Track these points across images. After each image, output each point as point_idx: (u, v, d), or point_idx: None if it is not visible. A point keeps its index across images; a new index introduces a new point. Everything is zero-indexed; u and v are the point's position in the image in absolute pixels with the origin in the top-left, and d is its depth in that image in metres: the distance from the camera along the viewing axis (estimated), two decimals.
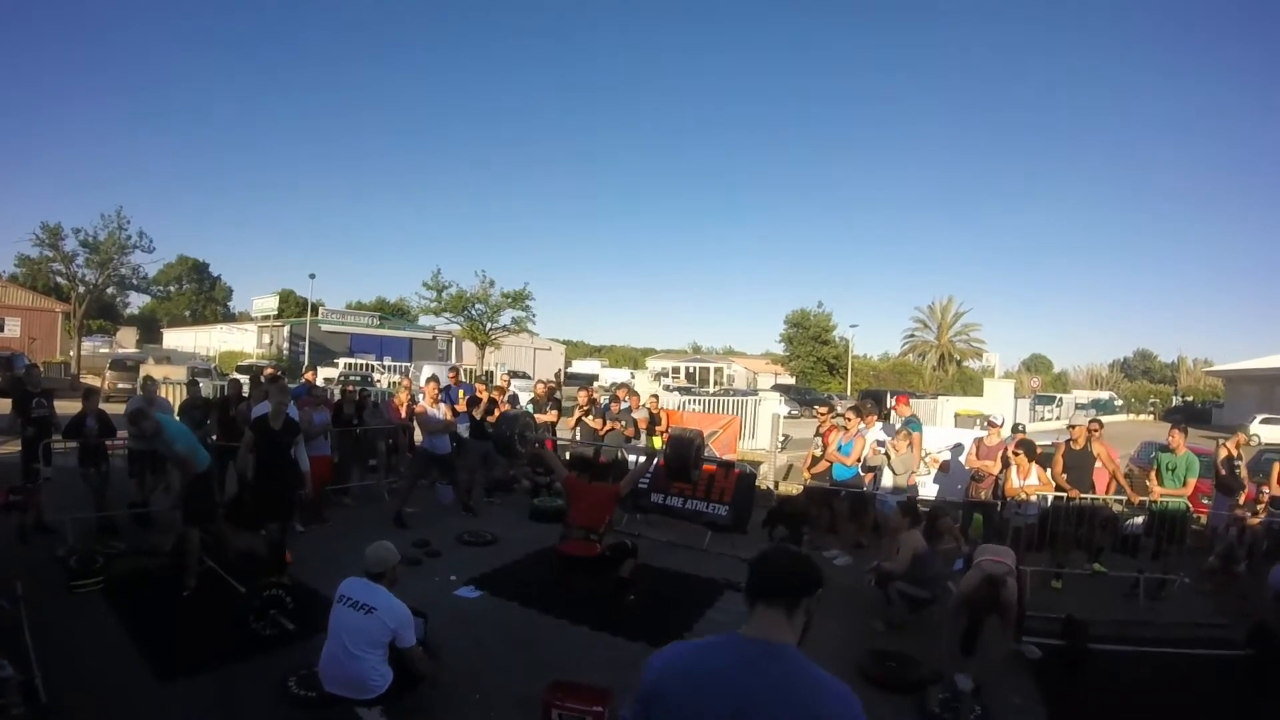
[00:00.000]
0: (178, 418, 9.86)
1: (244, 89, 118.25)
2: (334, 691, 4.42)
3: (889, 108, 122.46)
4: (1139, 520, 9.62)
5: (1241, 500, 9.98)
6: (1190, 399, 62.65)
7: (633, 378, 43.01)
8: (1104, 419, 11.02)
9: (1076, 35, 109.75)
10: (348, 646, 4.36)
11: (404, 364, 39.84)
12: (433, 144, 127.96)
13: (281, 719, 4.76)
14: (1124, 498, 9.09)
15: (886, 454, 9.49)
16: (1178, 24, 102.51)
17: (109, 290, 40.89)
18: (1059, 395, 50.36)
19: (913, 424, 10.39)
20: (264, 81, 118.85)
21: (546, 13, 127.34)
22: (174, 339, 64.27)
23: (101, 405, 9.76)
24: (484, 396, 11.47)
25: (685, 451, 7.79)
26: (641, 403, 12.82)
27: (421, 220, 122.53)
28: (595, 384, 34.87)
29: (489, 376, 27.40)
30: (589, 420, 11.79)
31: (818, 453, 10.00)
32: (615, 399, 12.81)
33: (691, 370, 58.44)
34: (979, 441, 9.74)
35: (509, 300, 40.08)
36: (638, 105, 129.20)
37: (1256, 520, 9.49)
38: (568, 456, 10.24)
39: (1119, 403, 56.05)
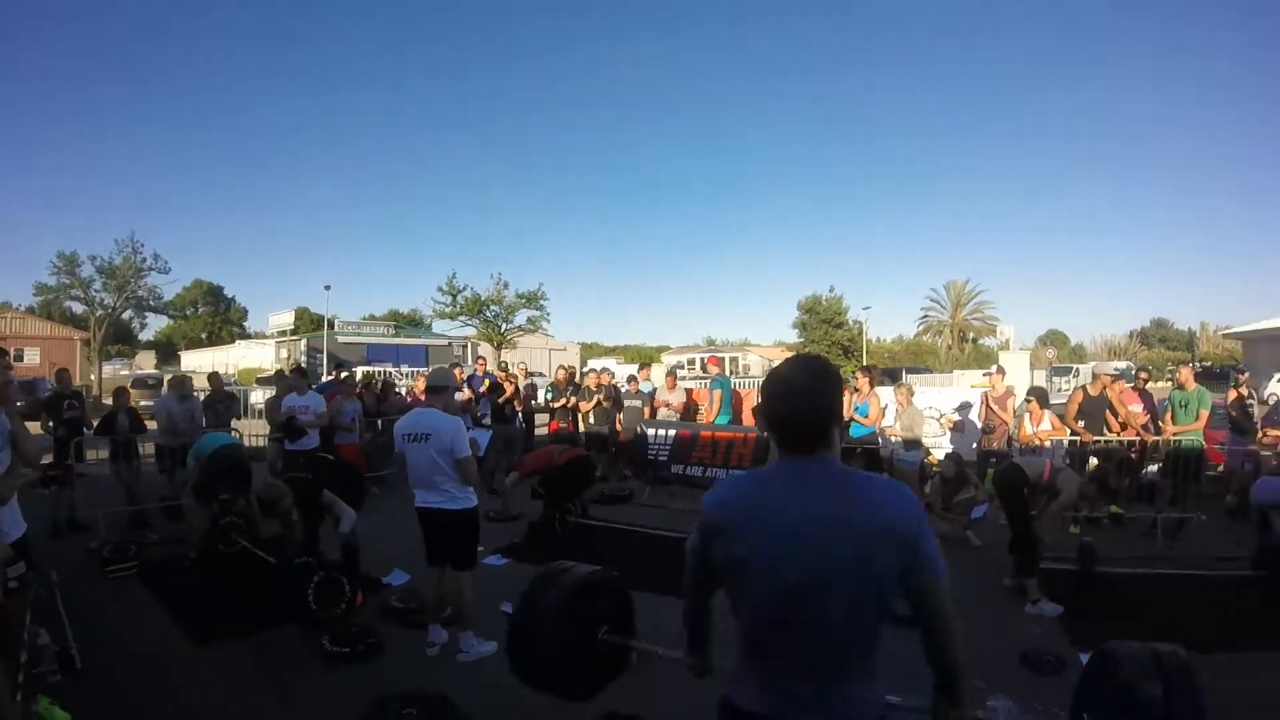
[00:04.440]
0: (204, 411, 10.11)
1: (246, 110, 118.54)
2: (431, 506, 4.98)
3: (893, 83, 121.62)
4: (1154, 468, 9.69)
5: (1258, 438, 10.02)
6: (1209, 364, 62.21)
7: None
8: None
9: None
10: (426, 477, 4.93)
11: (421, 369, 40.15)
12: (439, 150, 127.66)
13: (318, 675, 4.91)
14: (1136, 440, 9.19)
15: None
16: None
17: (127, 313, 41.49)
18: (1076, 366, 50.07)
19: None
20: (267, 101, 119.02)
21: (550, 12, 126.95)
22: (192, 360, 64.97)
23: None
24: (510, 387, 11.73)
25: None
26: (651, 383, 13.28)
27: (432, 230, 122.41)
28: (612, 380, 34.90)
29: (505, 366, 27.59)
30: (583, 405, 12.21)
31: None
32: (633, 379, 13.12)
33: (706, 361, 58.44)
34: (986, 395, 9.86)
35: (523, 301, 40.40)
36: (638, 98, 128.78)
37: (1273, 457, 9.56)
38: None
39: (1136, 371, 55.59)
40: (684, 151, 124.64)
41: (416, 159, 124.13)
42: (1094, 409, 9.20)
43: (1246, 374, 11.18)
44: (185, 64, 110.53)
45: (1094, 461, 9.28)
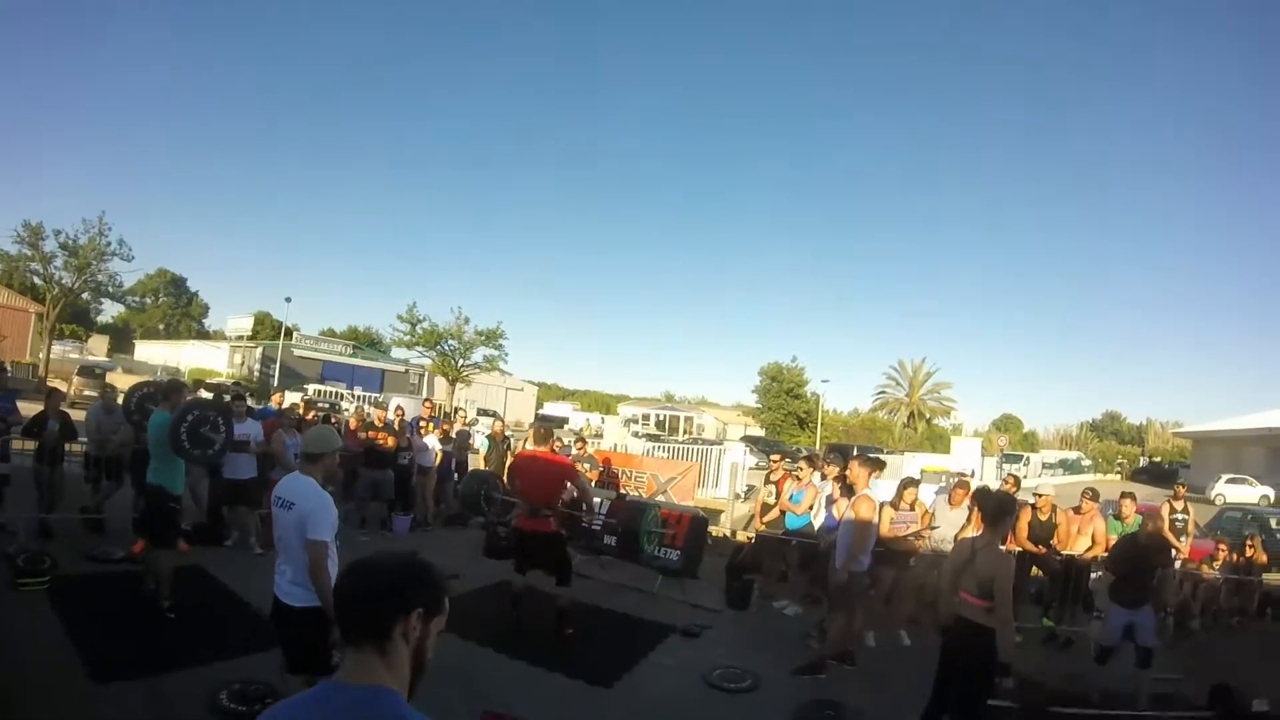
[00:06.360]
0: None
1: (231, 108, 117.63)
2: (277, 595, 4.32)
3: (870, 166, 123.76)
4: (1098, 575, 9.56)
5: (1186, 554, 10.07)
6: (1158, 459, 63.22)
7: (603, 422, 42.91)
8: (1072, 478, 10.97)
9: (1052, 86, 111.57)
10: (282, 545, 4.30)
11: (374, 394, 39.59)
12: (418, 177, 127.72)
13: None
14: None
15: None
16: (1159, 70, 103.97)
17: (84, 295, 40.58)
18: (1027, 455, 50.66)
19: None
20: (250, 102, 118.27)
21: (530, 53, 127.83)
22: (146, 351, 63.64)
23: (64, 409, 9.82)
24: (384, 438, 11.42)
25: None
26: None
27: (400, 250, 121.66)
28: (565, 426, 34.72)
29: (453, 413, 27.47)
30: None
31: (769, 500, 9.93)
32: (582, 440, 13.00)
33: (661, 418, 58.38)
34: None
35: (482, 338, 40.07)
36: (616, 151, 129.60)
37: (1209, 574, 9.57)
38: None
39: (1087, 463, 56.42)
40: (656, 206, 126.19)
41: (394, 178, 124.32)
42: (1043, 534, 9.13)
43: (1184, 487, 11.32)
44: (174, 62, 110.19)
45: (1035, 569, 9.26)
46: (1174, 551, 9.57)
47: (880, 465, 9.80)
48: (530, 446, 12.18)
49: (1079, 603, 9.09)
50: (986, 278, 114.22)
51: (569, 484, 7.85)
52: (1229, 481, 34.92)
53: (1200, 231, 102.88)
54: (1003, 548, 5.19)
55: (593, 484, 11.83)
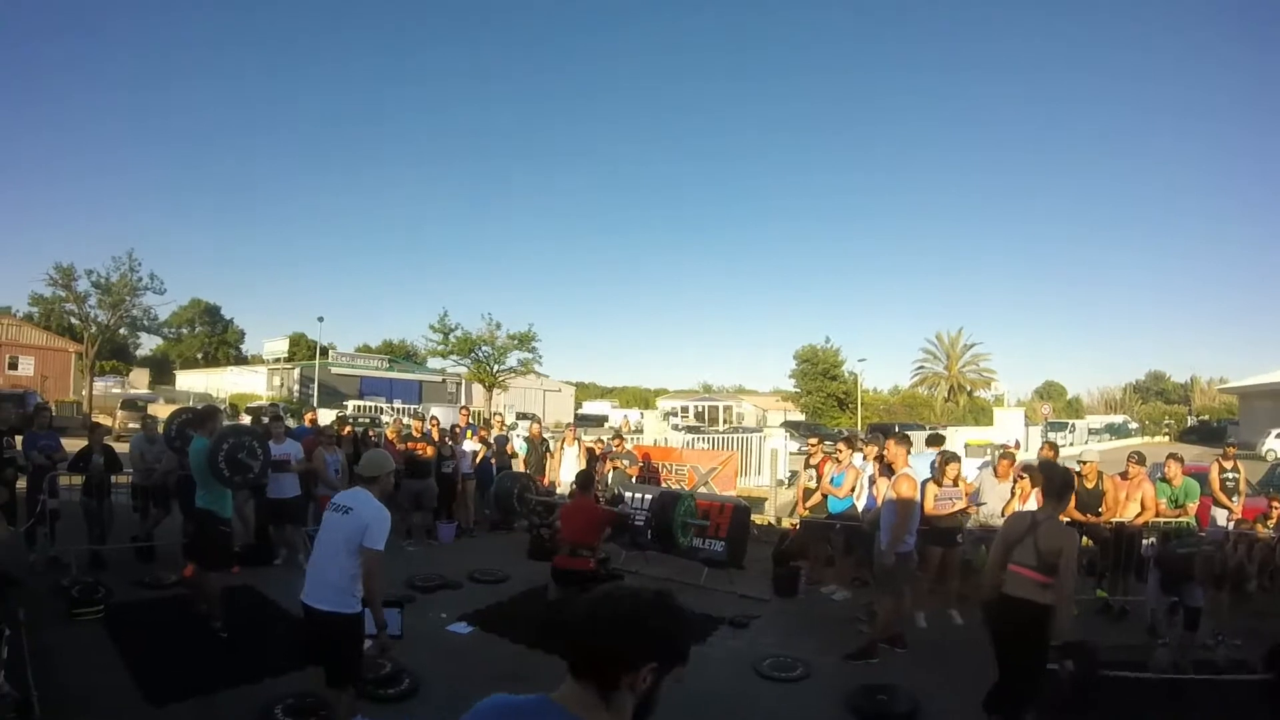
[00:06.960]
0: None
1: (254, 134, 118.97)
2: (307, 602, 4.47)
3: (893, 140, 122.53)
4: (1150, 541, 9.37)
5: (1239, 514, 9.85)
6: (1205, 418, 61.95)
7: (642, 417, 42.92)
8: (1119, 443, 10.76)
9: (1087, 47, 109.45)
10: (324, 550, 4.47)
11: (413, 406, 39.92)
12: (440, 185, 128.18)
13: None
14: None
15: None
16: (1191, 39, 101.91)
17: (121, 331, 41.33)
18: (1071, 421, 49.95)
19: None
20: (273, 126, 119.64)
21: (550, 52, 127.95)
22: (186, 381, 64.66)
23: (108, 441, 10.07)
24: (423, 448, 11.50)
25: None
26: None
27: (433, 259, 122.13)
28: (606, 424, 34.75)
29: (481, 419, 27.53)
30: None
31: (810, 484, 9.87)
32: (620, 437, 13.00)
33: (700, 409, 58.11)
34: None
35: (515, 342, 40.15)
36: (642, 147, 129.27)
37: (1264, 532, 9.34)
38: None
39: (1134, 426, 55.48)
40: (686, 197, 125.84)
41: (420, 188, 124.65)
42: (1089, 501, 8.93)
43: (1234, 445, 11.08)
44: (194, 90, 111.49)
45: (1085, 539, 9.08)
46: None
47: (940, 439, 9.77)
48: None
49: (1131, 571, 8.91)
50: (1018, 242, 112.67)
51: (609, 529, 8.01)
52: (1279, 436, 34.23)
53: (1233, 181, 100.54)
54: (1063, 519, 5.08)
55: (633, 479, 11.89)
